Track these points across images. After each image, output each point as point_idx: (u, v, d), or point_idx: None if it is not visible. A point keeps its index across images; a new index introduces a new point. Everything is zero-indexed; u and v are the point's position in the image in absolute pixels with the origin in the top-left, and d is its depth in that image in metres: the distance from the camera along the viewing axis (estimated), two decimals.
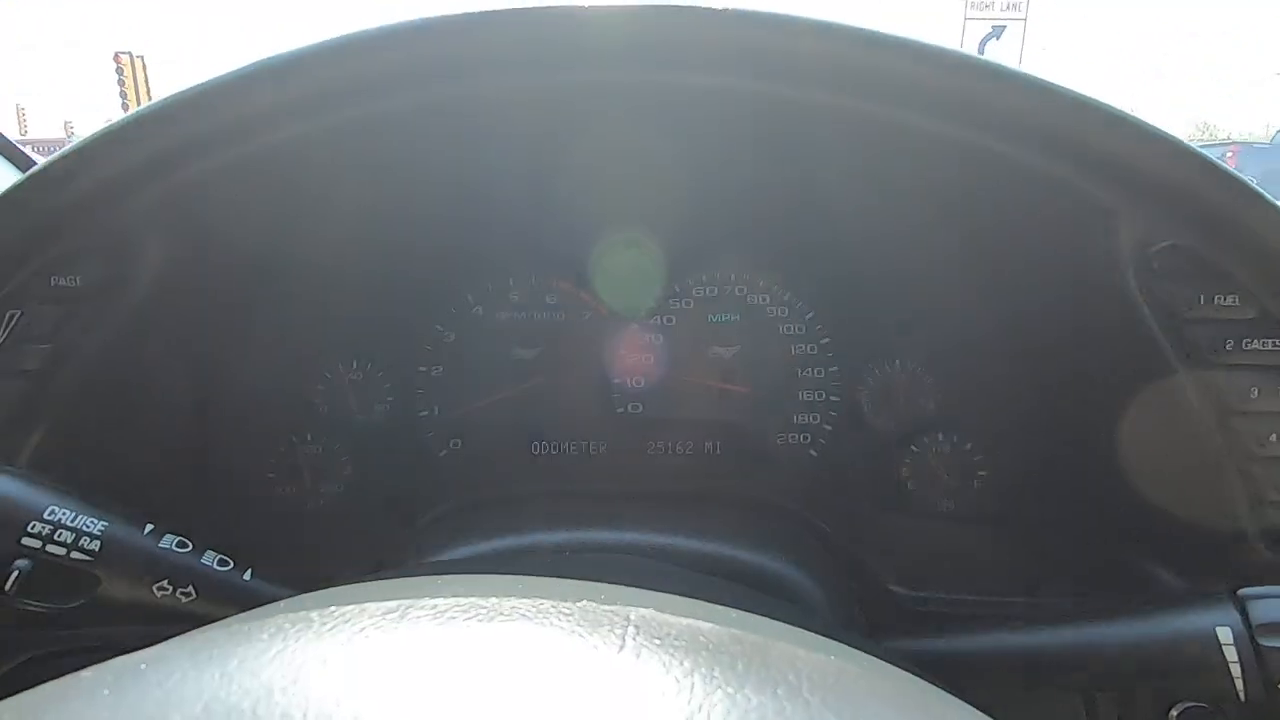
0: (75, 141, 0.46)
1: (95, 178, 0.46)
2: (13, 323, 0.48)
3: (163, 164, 0.46)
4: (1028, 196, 0.51)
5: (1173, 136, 0.45)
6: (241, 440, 0.73)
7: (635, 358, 0.81)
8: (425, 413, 0.81)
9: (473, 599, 0.23)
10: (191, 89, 0.45)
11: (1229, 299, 0.46)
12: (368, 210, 0.73)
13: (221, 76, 0.46)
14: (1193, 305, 0.47)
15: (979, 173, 0.51)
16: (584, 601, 0.23)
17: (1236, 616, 0.37)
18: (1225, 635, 0.36)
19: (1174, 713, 0.50)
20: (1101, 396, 0.58)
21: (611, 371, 0.80)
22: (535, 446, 0.81)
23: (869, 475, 0.77)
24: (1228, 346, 0.46)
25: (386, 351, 0.81)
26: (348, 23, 0.50)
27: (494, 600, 0.23)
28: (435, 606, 0.22)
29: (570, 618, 0.22)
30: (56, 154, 0.46)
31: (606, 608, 0.23)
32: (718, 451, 0.80)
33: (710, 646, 0.21)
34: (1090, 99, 0.46)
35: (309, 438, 0.78)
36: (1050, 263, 0.56)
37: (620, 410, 0.80)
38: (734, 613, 0.24)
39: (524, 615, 0.22)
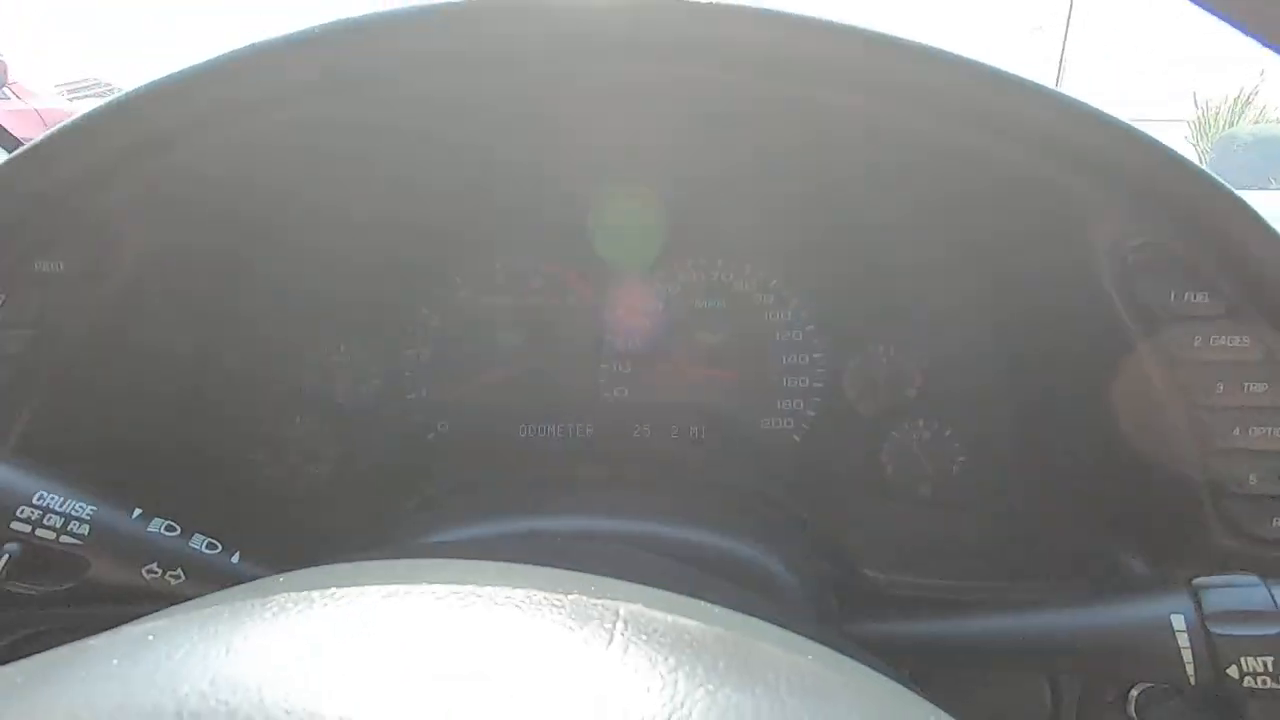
0: (60, 124, 0.45)
1: (79, 162, 0.46)
2: None
3: (148, 148, 0.46)
4: (1010, 193, 0.52)
5: (1149, 136, 0.45)
6: (229, 423, 0.73)
7: (621, 342, 0.81)
8: (412, 395, 0.82)
9: (468, 585, 0.23)
10: (176, 73, 0.45)
11: (1200, 296, 0.47)
12: (352, 193, 0.73)
13: (207, 61, 0.45)
14: (1165, 302, 0.48)
15: (961, 169, 0.52)
16: (575, 594, 0.24)
17: (1190, 604, 0.39)
18: (1179, 623, 0.38)
19: (1134, 693, 0.52)
20: (1077, 388, 0.59)
21: (597, 355, 0.81)
22: (522, 429, 0.82)
23: (850, 460, 0.79)
24: (1196, 343, 0.48)
25: (373, 334, 0.81)
26: (328, 10, 0.49)
27: (489, 589, 0.23)
28: (433, 592, 0.23)
29: (562, 610, 0.23)
30: (39, 137, 0.46)
31: (597, 601, 0.23)
32: (702, 436, 0.81)
33: (695, 644, 0.22)
34: (1073, 98, 0.46)
35: (296, 420, 0.79)
36: (1030, 257, 0.57)
37: (606, 395, 0.81)
38: (717, 609, 0.24)
39: (517, 605, 0.23)
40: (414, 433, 0.81)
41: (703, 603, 0.25)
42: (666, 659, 0.21)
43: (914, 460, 0.78)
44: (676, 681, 0.20)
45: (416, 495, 0.72)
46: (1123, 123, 0.45)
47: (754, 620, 0.24)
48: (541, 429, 0.82)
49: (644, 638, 0.22)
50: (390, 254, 0.79)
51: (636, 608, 0.23)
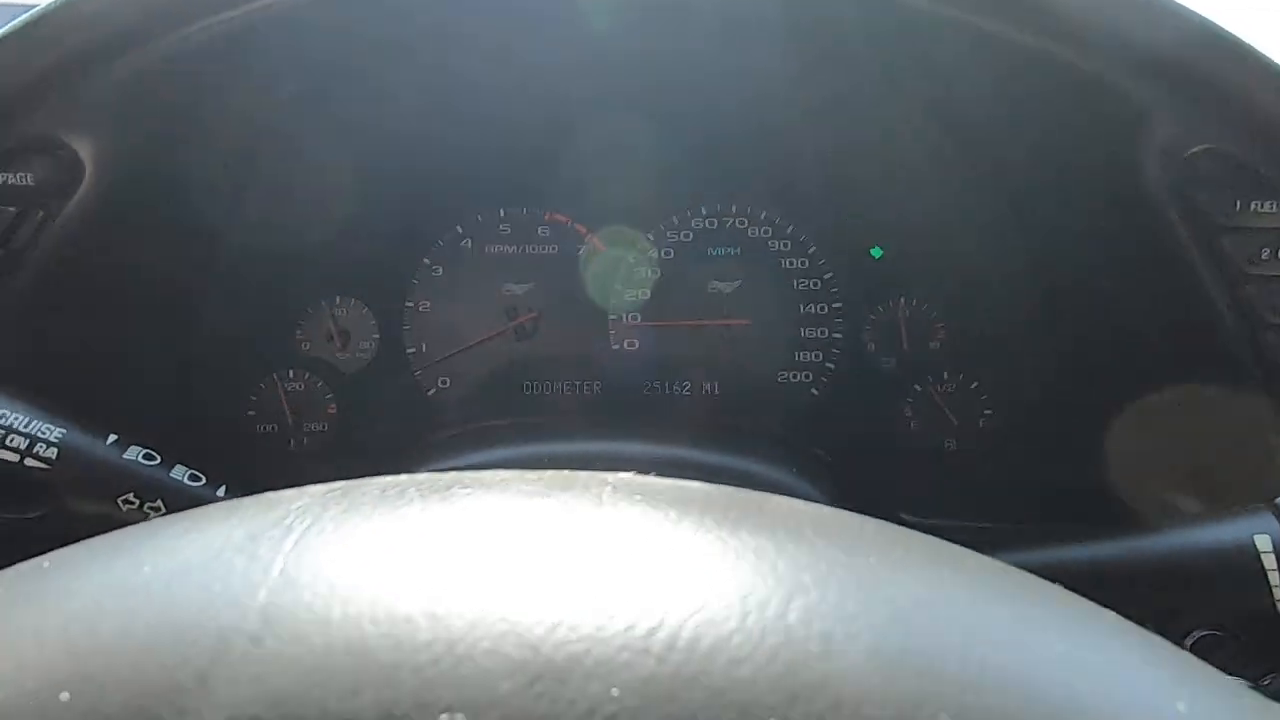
0: (18, 20, 0.42)
1: (35, 64, 0.42)
2: None
3: (120, 46, 0.42)
4: (1058, 102, 0.48)
5: (1217, 25, 0.42)
6: (220, 374, 0.70)
7: (631, 292, 0.78)
8: (412, 350, 0.78)
9: (437, 476, 0.21)
10: None
11: (1268, 205, 0.44)
12: (349, 132, 0.69)
13: None
14: (1229, 213, 0.44)
15: (1005, 76, 0.48)
16: (554, 474, 0.21)
17: (1276, 525, 0.35)
18: (1264, 543, 0.34)
19: (1189, 641, 0.48)
20: (1122, 323, 0.56)
21: (605, 307, 0.77)
22: (527, 386, 0.78)
23: (871, 415, 0.75)
24: (1264, 256, 0.44)
25: (372, 286, 0.77)
26: None
27: (452, 475, 0.21)
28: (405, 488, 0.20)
29: (541, 482, 0.20)
30: None
31: (579, 475, 0.21)
32: (716, 391, 0.78)
33: (699, 499, 0.19)
34: None
35: (291, 374, 0.75)
36: (1075, 179, 0.53)
37: (615, 347, 0.78)
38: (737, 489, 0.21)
39: (488, 486, 0.20)
40: (414, 389, 0.78)
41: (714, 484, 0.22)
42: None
43: (939, 415, 0.75)
44: (680, 530, 0.18)
45: (416, 449, 0.68)
46: (1178, 6, 0.41)
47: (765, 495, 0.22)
48: (547, 385, 0.78)
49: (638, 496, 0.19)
50: (390, 203, 0.75)
51: (627, 476, 0.21)
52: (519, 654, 0.15)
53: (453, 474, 0.22)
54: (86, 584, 0.17)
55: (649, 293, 0.78)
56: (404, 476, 0.22)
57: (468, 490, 0.20)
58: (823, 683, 0.14)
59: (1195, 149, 0.44)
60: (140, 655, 0.14)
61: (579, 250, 0.78)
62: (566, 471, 0.22)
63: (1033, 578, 0.20)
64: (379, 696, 0.14)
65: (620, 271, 0.78)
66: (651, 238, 0.77)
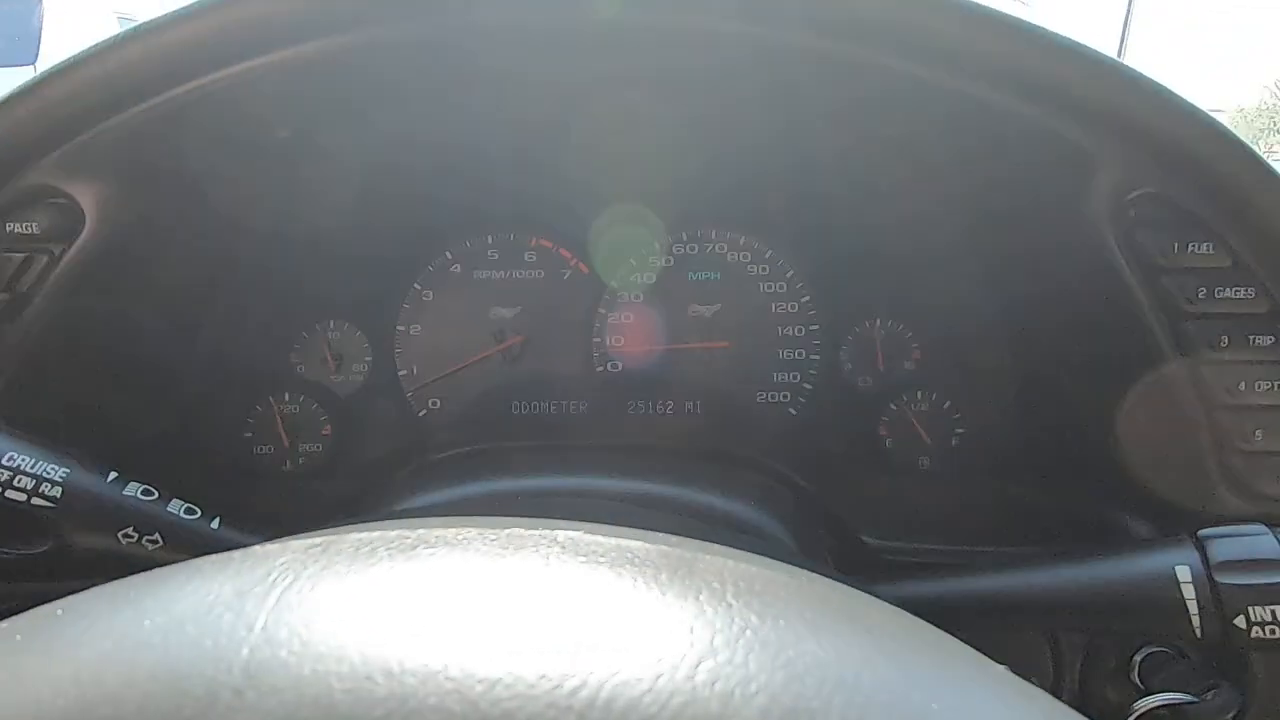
0: (26, 80, 0.44)
1: (45, 119, 0.44)
2: None
3: (120, 101, 0.45)
4: (1009, 145, 0.50)
5: (1152, 79, 0.44)
6: (217, 398, 0.72)
7: (614, 316, 0.80)
8: (404, 372, 0.80)
9: (405, 532, 0.24)
10: (150, 22, 0.44)
11: (1204, 247, 0.46)
12: (342, 165, 0.72)
13: (180, 10, 0.44)
14: (1168, 254, 0.47)
15: (960, 120, 0.50)
16: (511, 530, 0.23)
17: (1196, 556, 0.37)
18: (1184, 574, 0.37)
19: (1138, 658, 0.51)
20: (1079, 348, 0.58)
21: (590, 330, 0.80)
22: (515, 406, 0.81)
23: (848, 434, 0.78)
24: (1200, 295, 0.46)
25: (364, 311, 0.80)
26: None
27: (419, 533, 0.23)
28: (361, 543, 0.23)
29: (497, 541, 0.22)
30: (7, 93, 0.44)
31: (531, 532, 0.23)
32: (698, 410, 0.80)
33: (637, 559, 0.22)
34: (1072, 41, 0.45)
35: (286, 397, 0.78)
36: (1030, 215, 0.56)
37: (599, 369, 0.80)
38: (669, 535, 0.24)
39: (450, 545, 0.23)
40: (406, 410, 0.80)
41: (653, 531, 0.24)
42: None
43: (913, 433, 0.77)
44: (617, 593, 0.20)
45: (408, 469, 0.71)
46: (1121, 64, 0.44)
47: (704, 542, 0.24)
48: (535, 405, 0.81)
49: (581, 558, 0.21)
50: (381, 229, 0.78)
51: (575, 533, 0.23)
52: (460, 709, 0.17)
53: (420, 531, 0.24)
54: (95, 635, 0.19)
55: (631, 316, 0.80)
56: (377, 532, 0.24)
57: (431, 550, 0.23)
58: None
59: (1137, 192, 0.47)
60: (142, 702, 0.17)
61: (565, 275, 0.80)
62: (521, 530, 0.24)
63: (932, 632, 0.22)
64: None
65: (604, 296, 0.80)
66: (634, 263, 0.80)
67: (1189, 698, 0.45)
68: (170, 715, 0.17)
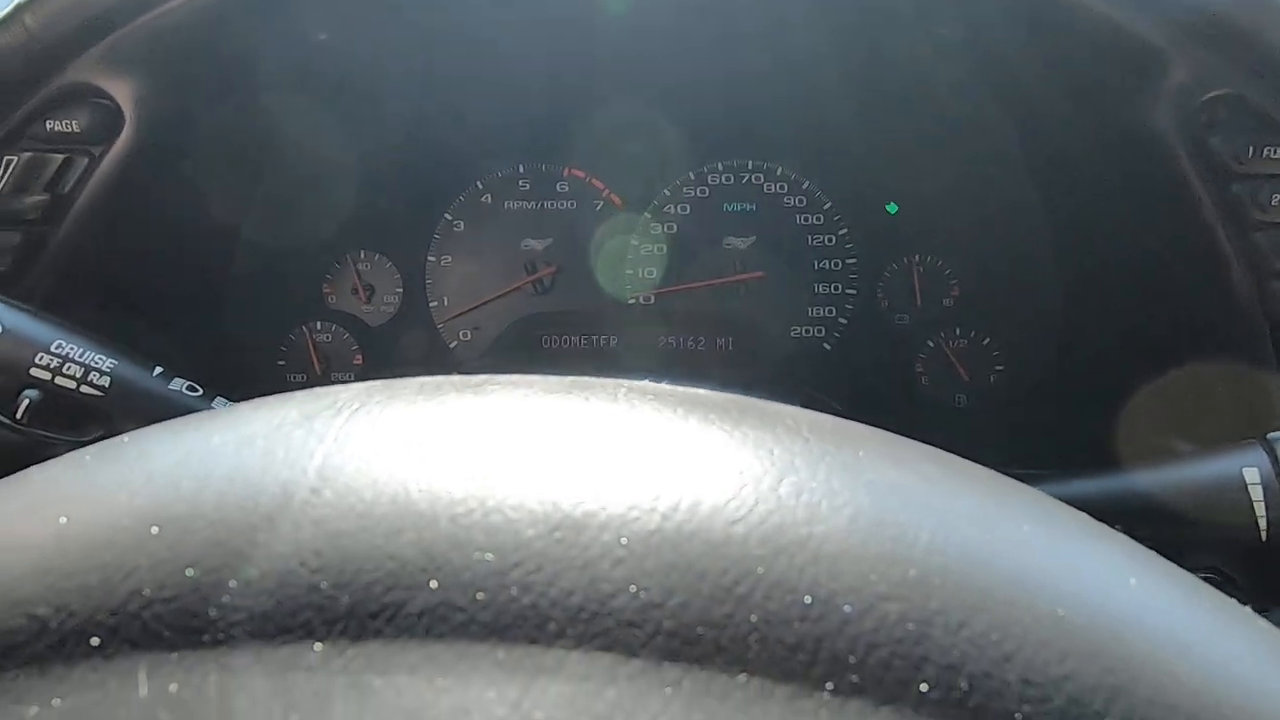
0: None
1: (80, 14, 0.44)
2: (9, 170, 0.47)
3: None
4: (1074, 45, 0.48)
5: None
6: (253, 320, 0.72)
7: (647, 247, 0.79)
8: (435, 304, 0.80)
9: (468, 378, 0.23)
10: None
11: (1279, 151, 0.44)
12: (376, 94, 0.71)
13: None
14: (1241, 159, 0.44)
15: (1021, 20, 0.48)
16: (575, 379, 0.23)
17: (1265, 458, 0.36)
18: (1252, 475, 0.35)
19: None
20: (1132, 264, 0.56)
21: (623, 261, 0.79)
22: (545, 339, 0.80)
23: (883, 370, 0.76)
24: (1274, 202, 0.44)
25: (395, 241, 0.79)
26: None
27: (482, 377, 0.23)
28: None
29: (563, 383, 0.22)
30: None
31: (598, 380, 0.22)
32: (731, 345, 0.79)
33: (704, 400, 0.21)
34: None
35: (319, 326, 0.78)
36: (1090, 126, 0.54)
37: (631, 302, 0.79)
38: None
39: (516, 385, 0.22)
40: (437, 341, 0.80)
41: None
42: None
43: (950, 371, 0.76)
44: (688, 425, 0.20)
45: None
46: None
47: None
48: (565, 338, 0.80)
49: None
50: (413, 158, 0.77)
51: (643, 384, 0.23)
52: (541, 509, 0.17)
53: (485, 375, 0.24)
54: (165, 450, 0.19)
55: (665, 248, 0.79)
56: (440, 377, 0.24)
57: (498, 386, 0.22)
58: (805, 540, 0.16)
59: (1210, 94, 0.45)
60: (217, 500, 0.17)
61: (597, 206, 0.79)
62: (586, 378, 0.24)
63: (1008, 479, 0.21)
64: (420, 537, 0.16)
65: (637, 227, 0.79)
66: (668, 193, 0.78)
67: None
68: (247, 511, 0.17)
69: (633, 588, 0.15)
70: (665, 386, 0.23)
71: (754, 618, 0.15)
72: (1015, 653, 0.15)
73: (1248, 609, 0.20)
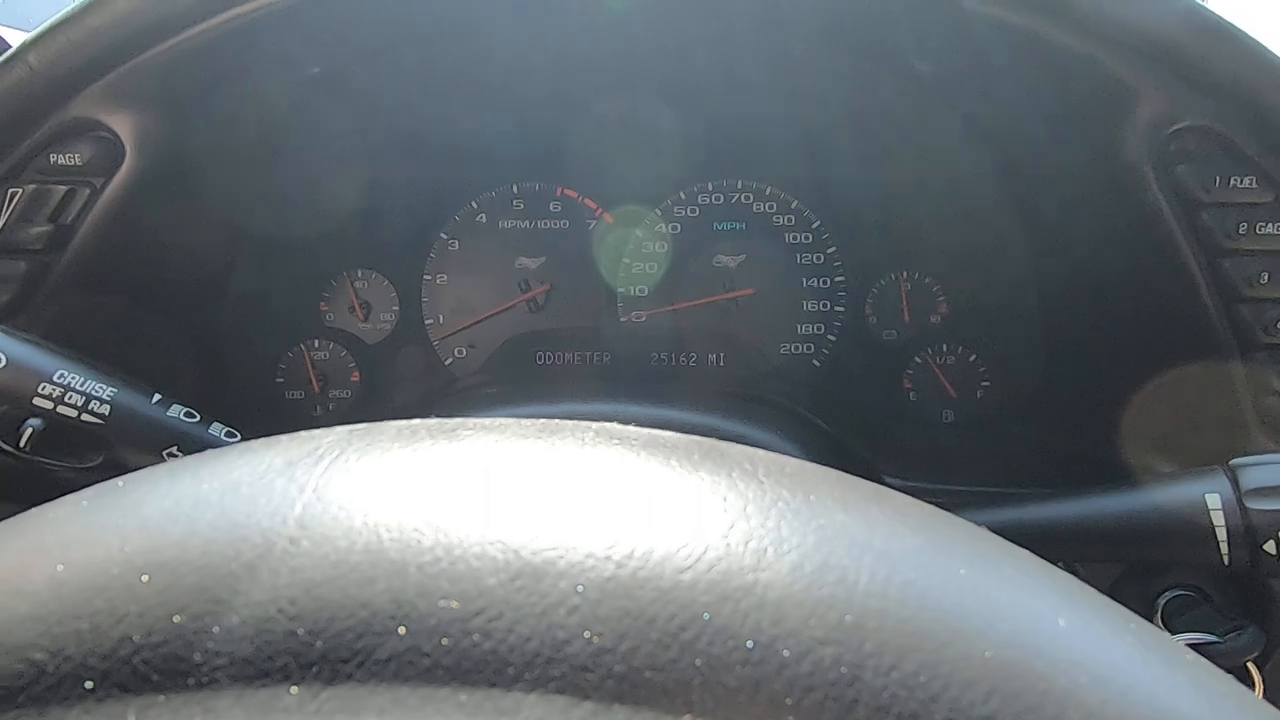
0: (67, 9, 0.45)
1: (90, 48, 0.45)
2: (14, 202, 0.48)
3: (160, 31, 0.45)
4: (1048, 77, 0.49)
5: (1202, 7, 0.43)
6: (251, 342, 0.74)
7: (639, 265, 0.80)
8: (430, 321, 0.82)
9: (444, 421, 0.24)
10: None
11: (1246, 181, 0.45)
12: (371, 116, 0.72)
13: None
14: (1209, 188, 0.46)
15: (998, 54, 0.49)
16: (546, 421, 0.24)
17: (1227, 484, 0.37)
18: (1214, 501, 0.36)
19: (1161, 601, 0.51)
20: (1110, 290, 0.57)
21: (615, 280, 0.80)
22: (539, 355, 0.82)
23: (871, 385, 0.78)
24: (1240, 230, 0.45)
25: (392, 260, 0.81)
26: None
27: (458, 420, 0.24)
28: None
29: (534, 427, 0.23)
30: (46, 25, 0.45)
31: (566, 422, 0.24)
32: (721, 362, 0.80)
33: (666, 445, 0.22)
34: None
35: (316, 344, 0.79)
36: (1065, 154, 0.55)
37: (623, 319, 0.81)
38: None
39: (488, 430, 0.23)
40: (433, 358, 0.81)
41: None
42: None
43: (938, 386, 0.77)
44: (648, 470, 0.21)
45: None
46: None
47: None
48: (559, 355, 0.82)
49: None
50: (409, 178, 0.78)
51: (610, 425, 0.24)
52: (503, 557, 0.18)
53: (459, 419, 0.25)
54: (156, 496, 0.20)
55: (656, 266, 0.80)
56: (417, 421, 0.25)
57: (470, 432, 0.24)
58: (750, 587, 0.17)
59: (1179, 125, 0.46)
60: (202, 548, 0.18)
61: (590, 225, 0.81)
62: (556, 422, 0.25)
63: (955, 519, 0.23)
64: (390, 585, 0.17)
65: (629, 246, 0.80)
66: (659, 213, 0.80)
67: (1212, 638, 0.45)
68: (230, 560, 0.18)
69: (586, 633, 0.17)
70: (631, 430, 0.25)
71: (698, 661, 0.16)
72: (941, 693, 0.16)
73: (1179, 643, 0.21)
